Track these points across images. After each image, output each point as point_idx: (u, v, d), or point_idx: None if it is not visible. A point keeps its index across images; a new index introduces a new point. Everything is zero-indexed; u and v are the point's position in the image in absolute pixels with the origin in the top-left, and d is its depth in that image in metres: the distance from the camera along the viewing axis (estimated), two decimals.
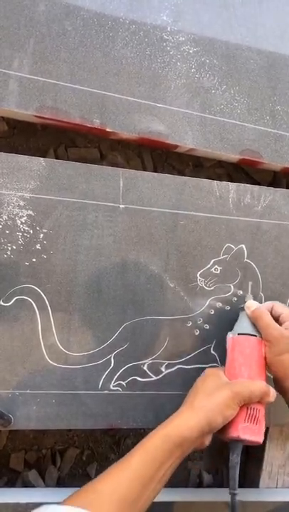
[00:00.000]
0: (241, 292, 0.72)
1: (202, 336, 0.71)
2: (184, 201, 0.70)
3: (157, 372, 0.70)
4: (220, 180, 0.72)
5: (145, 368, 0.69)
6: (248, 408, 0.57)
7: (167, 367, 0.70)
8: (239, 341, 0.63)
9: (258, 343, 0.62)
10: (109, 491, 0.48)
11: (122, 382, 0.68)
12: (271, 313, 0.65)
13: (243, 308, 0.66)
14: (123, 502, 0.47)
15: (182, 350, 0.70)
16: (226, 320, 0.72)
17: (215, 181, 0.72)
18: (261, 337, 0.62)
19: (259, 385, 0.58)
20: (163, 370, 0.70)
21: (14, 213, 0.63)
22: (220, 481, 0.90)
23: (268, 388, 0.58)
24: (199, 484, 0.89)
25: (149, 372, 0.69)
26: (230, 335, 0.65)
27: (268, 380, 0.61)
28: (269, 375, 0.63)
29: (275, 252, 0.74)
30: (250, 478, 0.86)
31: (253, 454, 0.87)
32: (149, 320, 0.69)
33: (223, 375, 0.60)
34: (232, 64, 0.73)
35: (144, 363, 0.69)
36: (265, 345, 0.62)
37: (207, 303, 0.71)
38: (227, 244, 0.72)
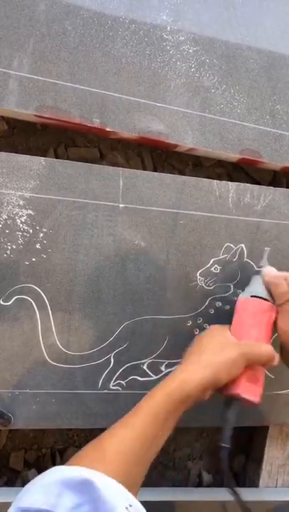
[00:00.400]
0: (241, 291, 0.72)
1: None
2: (183, 201, 0.70)
3: (157, 371, 0.70)
4: (220, 180, 0.72)
5: (145, 367, 0.69)
6: (251, 369, 0.58)
7: (167, 366, 0.70)
8: (252, 303, 0.63)
9: (270, 308, 0.62)
10: (114, 450, 0.48)
11: (121, 381, 0.68)
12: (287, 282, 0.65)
13: (257, 272, 0.66)
14: (128, 459, 0.48)
15: (182, 349, 0.70)
16: (226, 319, 0.72)
17: (215, 181, 0.72)
18: (274, 303, 0.62)
19: (267, 349, 0.58)
20: (163, 369, 0.70)
21: (14, 213, 0.63)
22: (220, 480, 0.90)
23: (274, 352, 0.59)
24: (199, 484, 0.89)
25: (149, 372, 0.69)
26: (242, 296, 0.64)
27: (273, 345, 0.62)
28: None
29: (275, 251, 0.74)
30: (250, 477, 0.86)
31: (253, 454, 0.87)
32: (149, 319, 0.69)
33: (229, 334, 0.61)
34: (232, 63, 0.73)
35: (144, 363, 0.69)
36: (278, 312, 0.62)
37: (207, 302, 0.71)
38: (227, 244, 0.72)
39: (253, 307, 0.62)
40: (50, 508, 0.40)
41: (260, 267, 0.66)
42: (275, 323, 0.62)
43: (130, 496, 0.43)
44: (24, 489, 0.44)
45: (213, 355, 0.56)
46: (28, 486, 0.45)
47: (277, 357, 0.59)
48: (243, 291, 0.66)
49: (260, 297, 0.63)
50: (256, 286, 0.64)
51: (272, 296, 0.63)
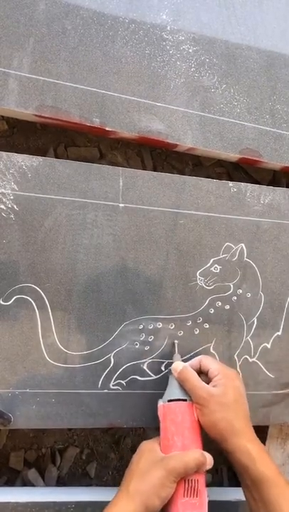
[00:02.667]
0: (241, 291, 0.73)
1: (202, 335, 0.71)
2: (183, 200, 0.70)
3: (157, 371, 0.70)
4: (219, 179, 0.72)
5: (145, 367, 0.69)
6: (185, 481, 0.55)
7: (167, 366, 0.70)
8: (170, 409, 0.59)
9: (188, 408, 0.59)
10: None
11: (121, 381, 0.68)
12: (200, 369, 0.63)
13: (170, 371, 0.64)
14: None
15: (182, 349, 0.70)
16: (226, 319, 0.72)
17: (214, 180, 0.72)
18: (191, 400, 0.59)
19: (193, 456, 0.54)
20: (163, 369, 0.70)
21: (14, 212, 0.63)
22: (220, 480, 0.90)
23: (204, 457, 0.55)
24: None
25: (149, 372, 0.69)
26: (160, 402, 0.62)
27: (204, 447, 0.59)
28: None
29: (275, 251, 0.74)
30: None
31: None
32: (149, 319, 0.69)
33: (158, 448, 0.58)
34: (232, 63, 0.73)
35: (144, 362, 0.69)
36: (196, 408, 0.59)
37: (207, 302, 0.71)
38: (227, 244, 0.72)
39: (172, 413, 0.59)
40: None
41: (172, 364, 0.64)
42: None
43: None
44: None
45: (139, 482, 0.53)
46: None
47: (209, 459, 0.56)
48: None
49: (177, 399, 0.60)
50: (172, 388, 0.62)
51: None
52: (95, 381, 0.67)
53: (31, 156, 0.64)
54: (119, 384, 0.68)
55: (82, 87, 0.66)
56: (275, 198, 0.74)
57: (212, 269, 0.71)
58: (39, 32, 0.64)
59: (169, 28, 0.70)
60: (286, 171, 0.80)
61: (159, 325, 0.69)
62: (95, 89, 0.67)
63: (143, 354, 0.69)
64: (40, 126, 0.78)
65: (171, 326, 0.70)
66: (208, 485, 0.87)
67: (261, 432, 0.85)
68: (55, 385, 0.66)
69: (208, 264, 0.71)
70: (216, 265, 0.71)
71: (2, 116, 0.76)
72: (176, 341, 0.68)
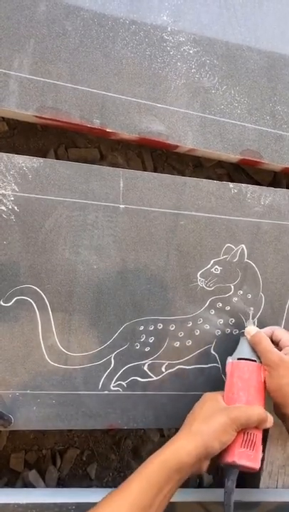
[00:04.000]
0: (241, 292, 0.73)
1: (202, 336, 0.71)
2: (184, 201, 0.70)
3: (157, 372, 0.70)
4: (220, 181, 0.72)
5: (145, 368, 0.69)
6: (244, 433, 0.57)
7: (167, 367, 0.70)
8: (238, 366, 0.62)
9: (257, 368, 0.61)
10: None
11: (122, 382, 0.68)
12: (271, 339, 0.65)
13: (243, 334, 0.66)
14: None
15: (182, 350, 0.70)
16: (226, 320, 0.72)
17: (215, 181, 0.72)
18: (261, 362, 0.62)
19: (257, 411, 0.57)
20: (163, 370, 0.70)
21: (14, 213, 0.63)
22: (220, 481, 0.90)
23: (266, 414, 0.58)
24: (199, 484, 0.89)
25: (150, 373, 0.69)
26: (229, 359, 0.64)
27: (267, 405, 0.61)
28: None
29: (276, 252, 0.74)
30: (250, 478, 0.85)
31: None
32: (149, 320, 0.69)
33: (221, 399, 0.60)
34: (232, 64, 0.73)
35: (145, 363, 0.69)
36: (264, 370, 0.61)
37: (207, 303, 0.71)
38: (227, 245, 0.72)
39: (240, 370, 0.62)
40: None
41: (245, 327, 0.67)
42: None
43: None
44: None
45: (202, 424, 0.56)
46: None
47: (270, 418, 0.59)
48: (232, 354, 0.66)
49: (247, 359, 0.62)
50: (242, 348, 0.65)
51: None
52: (96, 382, 0.67)
53: (32, 157, 0.64)
54: (119, 385, 0.68)
55: (82, 88, 0.66)
56: (276, 199, 0.74)
57: (213, 270, 0.71)
58: (40, 33, 0.64)
59: (169, 29, 0.70)
60: (287, 172, 0.80)
61: (160, 326, 0.69)
62: (95, 91, 0.67)
63: (144, 355, 0.69)
64: (41, 128, 0.78)
65: (172, 327, 0.70)
66: (208, 486, 0.87)
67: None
68: (56, 386, 0.66)
69: (209, 265, 0.71)
70: (217, 266, 0.71)
71: (2, 118, 0.76)
72: (251, 308, 0.71)
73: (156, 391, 0.70)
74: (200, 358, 0.71)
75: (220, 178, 0.86)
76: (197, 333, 0.71)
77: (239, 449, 0.57)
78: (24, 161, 0.63)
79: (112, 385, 0.68)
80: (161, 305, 0.69)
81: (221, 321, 0.72)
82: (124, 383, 0.68)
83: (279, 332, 0.65)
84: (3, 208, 0.63)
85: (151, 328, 0.69)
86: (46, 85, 0.64)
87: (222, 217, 0.72)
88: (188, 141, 0.71)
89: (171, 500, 0.72)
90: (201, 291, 0.71)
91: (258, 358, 0.63)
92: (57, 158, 0.79)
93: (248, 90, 0.74)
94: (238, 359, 0.63)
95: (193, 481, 0.89)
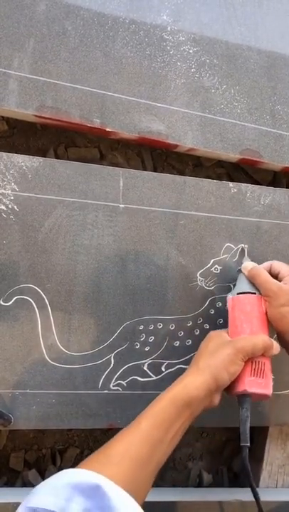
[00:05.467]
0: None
1: (202, 335, 0.71)
2: (183, 201, 0.70)
3: (157, 371, 0.70)
4: (220, 180, 0.72)
5: (145, 367, 0.69)
6: (252, 362, 0.58)
7: (167, 366, 0.70)
8: (239, 300, 0.63)
9: (257, 300, 0.62)
10: (120, 454, 0.48)
11: (122, 381, 0.68)
12: (270, 272, 0.65)
13: (240, 271, 0.67)
14: (134, 464, 0.48)
15: (182, 349, 0.70)
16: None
17: (215, 181, 0.72)
18: (260, 294, 0.63)
19: (261, 338, 0.58)
20: (163, 369, 0.70)
21: (14, 212, 0.63)
22: (220, 481, 0.90)
23: (271, 341, 0.59)
24: (199, 484, 0.89)
25: (149, 372, 0.69)
26: (229, 295, 0.65)
27: (271, 335, 0.62)
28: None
29: (275, 251, 0.74)
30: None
31: (253, 454, 0.87)
32: (149, 319, 0.69)
33: (225, 335, 0.61)
34: (232, 64, 0.73)
35: (144, 363, 0.69)
36: (265, 300, 0.62)
37: (207, 302, 0.71)
38: (227, 244, 0.72)
39: (241, 303, 0.63)
40: (59, 510, 0.40)
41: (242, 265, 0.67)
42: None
43: (136, 505, 0.43)
44: (34, 490, 0.44)
45: (209, 358, 0.57)
46: (38, 487, 0.45)
47: (275, 344, 0.59)
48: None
49: (247, 292, 0.63)
50: (241, 283, 0.65)
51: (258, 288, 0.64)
52: (96, 382, 0.67)
53: (31, 156, 0.64)
54: (119, 385, 0.68)
55: (82, 87, 0.66)
56: (276, 199, 0.74)
57: (212, 269, 0.71)
58: (39, 32, 0.64)
59: (169, 28, 0.70)
60: (286, 171, 0.80)
61: (160, 325, 0.69)
62: (95, 90, 0.67)
63: (143, 355, 0.69)
64: (41, 127, 0.78)
65: (172, 326, 0.70)
66: (208, 485, 0.87)
67: (261, 433, 0.85)
68: (56, 386, 0.66)
69: (209, 265, 0.71)
70: (217, 266, 0.71)
71: (2, 117, 0.76)
72: (245, 245, 0.71)
73: (156, 391, 0.70)
74: None
75: (220, 178, 0.86)
76: (197, 333, 0.71)
77: (249, 377, 0.58)
78: (24, 161, 0.63)
79: (111, 384, 0.68)
80: (161, 304, 0.69)
81: (221, 320, 0.72)
82: (123, 383, 0.68)
83: (277, 264, 0.65)
84: (2, 207, 0.63)
85: (151, 327, 0.69)
86: (46, 84, 0.64)
87: (222, 216, 0.72)
88: (188, 141, 0.71)
89: (171, 499, 0.72)
90: (200, 291, 0.71)
91: (258, 290, 0.63)
92: (57, 158, 0.78)
93: (247, 90, 0.74)
94: (238, 294, 0.64)
95: (193, 481, 0.89)
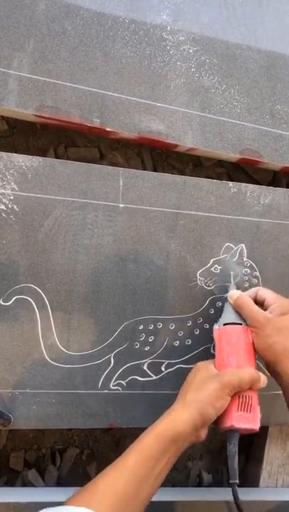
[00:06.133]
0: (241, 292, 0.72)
1: (202, 335, 0.71)
2: (183, 200, 0.70)
3: (157, 371, 0.70)
4: (220, 180, 0.72)
5: (145, 367, 0.69)
6: (240, 396, 0.57)
7: (167, 366, 0.70)
8: (225, 331, 0.62)
9: (243, 331, 0.62)
10: (106, 490, 0.48)
11: (121, 381, 0.68)
12: (256, 300, 0.65)
13: (226, 299, 0.66)
14: (120, 500, 0.48)
15: (182, 349, 0.70)
16: None
17: (215, 181, 0.72)
18: (247, 325, 0.62)
19: (248, 372, 0.57)
20: (163, 369, 0.70)
21: (14, 212, 0.63)
22: (220, 480, 0.90)
23: (258, 374, 0.58)
24: (199, 484, 0.89)
25: (149, 372, 0.69)
26: (216, 326, 0.64)
27: (258, 367, 0.61)
28: (259, 363, 0.63)
29: (275, 251, 0.74)
30: (250, 477, 0.86)
31: (253, 454, 0.87)
32: (149, 319, 0.69)
33: (212, 367, 0.60)
34: (232, 63, 0.73)
35: (144, 363, 0.69)
36: (251, 331, 0.61)
37: (207, 302, 0.71)
38: (227, 244, 0.72)
39: (227, 335, 0.62)
40: None
41: (228, 292, 0.67)
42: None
43: None
44: None
45: (195, 392, 0.56)
46: None
47: (263, 377, 0.59)
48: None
49: (233, 323, 0.62)
50: (227, 313, 0.65)
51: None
52: (95, 381, 0.67)
53: (31, 156, 0.64)
54: (119, 384, 0.68)
55: (82, 87, 0.66)
56: (275, 199, 0.74)
57: (212, 269, 0.71)
58: (39, 32, 0.64)
59: (169, 28, 0.70)
60: (286, 171, 0.80)
61: (160, 325, 0.69)
62: (95, 90, 0.67)
63: (143, 354, 0.69)
64: (40, 127, 0.78)
65: (172, 326, 0.70)
66: (208, 485, 0.87)
67: (261, 433, 0.85)
68: (55, 386, 0.66)
69: (209, 265, 0.71)
70: (216, 265, 0.71)
71: (2, 117, 0.76)
72: (231, 272, 0.71)
73: (156, 390, 0.70)
74: (200, 358, 0.71)
75: (219, 178, 0.86)
76: (197, 333, 0.71)
77: (236, 412, 0.57)
78: (24, 160, 0.63)
79: (111, 384, 0.68)
80: (160, 304, 0.69)
81: None
82: (123, 382, 0.68)
83: (263, 292, 0.65)
84: (2, 207, 0.63)
85: (151, 327, 0.69)
86: (46, 84, 0.64)
87: (222, 216, 0.72)
88: (187, 141, 0.71)
89: (171, 499, 0.72)
90: (200, 291, 0.71)
91: (244, 320, 0.62)
92: (56, 158, 0.79)
93: (247, 89, 0.74)
94: (224, 325, 0.63)
95: (193, 481, 0.89)
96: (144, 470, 0.50)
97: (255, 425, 0.58)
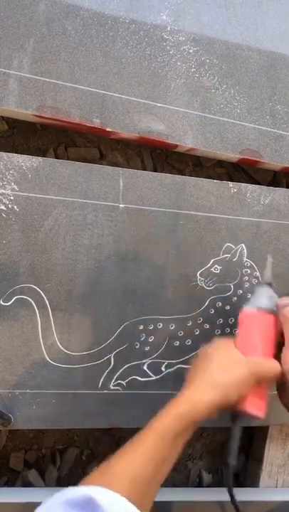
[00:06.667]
0: (241, 292, 0.72)
1: (202, 335, 0.71)
2: (183, 201, 0.70)
3: (157, 371, 0.70)
4: (220, 180, 0.72)
5: (145, 367, 0.69)
6: (257, 383, 0.58)
7: (167, 366, 0.70)
8: (258, 317, 0.61)
9: (275, 322, 0.61)
10: (123, 472, 0.48)
11: (121, 381, 0.68)
12: None
13: (262, 284, 0.65)
14: (136, 482, 0.48)
15: (182, 350, 0.70)
16: (226, 319, 0.72)
17: (215, 181, 0.72)
18: (276, 314, 0.61)
19: (275, 366, 0.57)
20: (163, 369, 0.70)
21: (14, 212, 0.63)
22: (220, 480, 0.90)
23: (280, 368, 0.58)
24: (199, 484, 0.89)
25: (149, 372, 0.69)
26: (248, 307, 0.62)
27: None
28: None
29: (275, 251, 0.74)
30: (250, 477, 0.86)
31: (253, 454, 0.87)
32: (149, 319, 0.69)
33: (236, 349, 0.59)
34: (232, 63, 0.73)
35: (144, 363, 0.69)
36: (281, 323, 0.60)
37: (207, 302, 0.71)
38: (227, 244, 0.72)
39: (259, 321, 0.61)
40: None
41: (264, 277, 0.65)
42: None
43: (133, 509, 0.43)
44: None
45: (223, 375, 0.55)
46: (37, 509, 0.45)
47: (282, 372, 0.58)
48: (248, 302, 0.64)
49: (267, 310, 0.61)
50: (262, 298, 0.63)
51: (276, 309, 0.62)
52: (95, 381, 0.67)
53: (31, 156, 0.64)
54: (119, 384, 0.68)
55: (82, 87, 0.66)
56: (275, 199, 0.74)
57: (212, 269, 0.71)
58: (39, 32, 0.64)
59: (169, 28, 0.70)
60: (286, 171, 0.80)
61: (160, 325, 0.69)
62: (95, 90, 0.67)
63: (143, 354, 0.69)
64: (41, 127, 0.78)
65: (172, 326, 0.70)
66: (208, 485, 0.87)
67: (261, 433, 0.85)
68: (56, 386, 0.66)
69: (209, 265, 0.71)
70: (217, 265, 0.71)
71: (2, 117, 0.76)
72: (269, 256, 0.67)
73: (156, 390, 0.70)
74: None
75: (220, 178, 0.86)
76: (197, 333, 0.71)
77: (252, 398, 0.57)
78: (24, 161, 0.63)
79: (111, 384, 0.68)
80: (161, 304, 0.69)
81: (221, 320, 0.72)
82: (123, 382, 0.68)
83: None
84: (2, 207, 0.63)
85: (151, 327, 0.69)
86: (46, 84, 0.64)
87: (222, 216, 0.71)
88: (188, 141, 0.71)
89: (171, 499, 0.72)
90: (200, 291, 0.71)
91: (276, 308, 0.61)
92: (56, 158, 0.78)
93: (247, 90, 0.74)
94: (258, 308, 0.61)
95: (193, 481, 0.89)
96: (162, 452, 0.50)
97: (263, 414, 0.59)
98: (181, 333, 0.70)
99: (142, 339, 0.69)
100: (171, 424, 0.51)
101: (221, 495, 0.75)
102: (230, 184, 0.72)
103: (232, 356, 0.58)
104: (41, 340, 0.65)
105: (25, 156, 0.63)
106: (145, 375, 0.69)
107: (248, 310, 0.62)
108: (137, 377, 0.69)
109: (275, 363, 0.58)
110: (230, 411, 0.59)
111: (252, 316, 0.62)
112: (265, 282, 0.65)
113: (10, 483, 0.80)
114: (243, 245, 0.72)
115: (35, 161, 0.64)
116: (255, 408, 0.58)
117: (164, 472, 0.51)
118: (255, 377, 0.56)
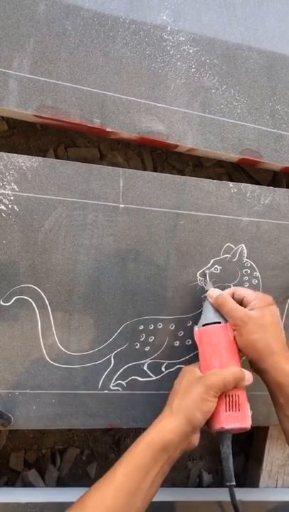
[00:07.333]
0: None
1: None
2: (183, 201, 0.70)
3: (157, 372, 0.70)
4: (220, 180, 0.72)
5: (145, 367, 0.69)
6: (226, 396, 0.57)
7: (167, 367, 0.70)
8: (205, 332, 0.62)
9: (223, 329, 0.61)
10: (96, 506, 0.48)
11: (121, 381, 0.68)
12: (234, 298, 0.64)
13: (205, 299, 0.65)
14: None
15: (182, 349, 0.70)
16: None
17: (215, 181, 0.72)
18: (226, 322, 0.61)
19: (231, 371, 0.57)
20: (163, 369, 0.70)
21: (14, 212, 0.63)
22: (220, 481, 0.90)
23: (241, 372, 0.57)
24: (199, 484, 0.89)
25: (149, 372, 0.69)
26: (195, 328, 0.64)
27: (243, 363, 0.61)
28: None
29: (275, 251, 0.74)
30: (250, 477, 0.86)
31: (253, 454, 0.87)
32: (149, 319, 0.69)
33: (197, 370, 0.60)
34: (232, 64, 0.73)
35: (144, 363, 0.69)
36: (232, 329, 0.61)
37: None
38: (227, 244, 0.72)
39: (207, 335, 0.61)
40: None
41: (207, 291, 0.66)
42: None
43: None
44: None
45: (182, 399, 0.56)
46: None
47: (247, 374, 0.58)
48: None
49: (213, 322, 0.62)
50: (206, 313, 0.64)
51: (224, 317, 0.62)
52: (95, 382, 0.67)
53: (31, 156, 0.64)
54: (119, 385, 0.68)
55: (82, 87, 0.66)
56: (275, 199, 0.74)
57: (212, 269, 0.71)
58: (39, 32, 0.64)
59: (169, 28, 0.70)
60: (286, 171, 0.80)
61: (160, 325, 0.69)
62: (95, 90, 0.67)
63: (143, 355, 0.69)
64: (41, 127, 0.78)
65: (172, 326, 0.70)
66: (208, 485, 0.87)
67: (261, 433, 0.85)
68: (56, 386, 0.66)
69: (209, 265, 0.71)
70: (217, 266, 0.71)
71: (2, 117, 0.76)
72: (207, 271, 0.70)
73: (156, 391, 0.70)
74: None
75: (220, 178, 0.86)
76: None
77: (225, 413, 0.56)
78: (24, 161, 0.63)
79: (111, 384, 0.68)
80: (161, 304, 0.69)
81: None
82: (123, 383, 0.68)
83: (241, 291, 0.64)
84: (2, 207, 0.63)
85: (151, 327, 0.69)
86: (46, 85, 0.64)
87: (222, 216, 0.72)
88: (188, 141, 0.71)
89: (171, 499, 0.72)
90: (200, 291, 0.71)
91: (223, 319, 0.62)
92: (56, 158, 0.79)
93: (247, 90, 0.74)
94: (203, 325, 0.62)
95: (193, 481, 0.89)
96: (134, 482, 0.49)
97: (245, 424, 0.57)
98: (181, 333, 0.70)
99: (142, 339, 0.69)
100: (140, 451, 0.52)
101: (221, 495, 0.75)
102: (231, 184, 0.72)
103: (191, 378, 0.58)
104: (41, 340, 0.65)
105: (25, 156, 0.63)
106: (145, 375, 0.69)
107: (196, 330, 0.64)
108: (137, 377, 0.69)
109: (233, 368, 0.57)
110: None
111: (200, 333, 0.62)
112: (206, 297, 0.65)
113: (10, 483, 0.80)
114: (243, 245, 0.72)
115: (35, 161, 0.64)
116: (234, 421, 0.56)
117: (141, 502, 0.50)
118: (215, 390, 0.55)
